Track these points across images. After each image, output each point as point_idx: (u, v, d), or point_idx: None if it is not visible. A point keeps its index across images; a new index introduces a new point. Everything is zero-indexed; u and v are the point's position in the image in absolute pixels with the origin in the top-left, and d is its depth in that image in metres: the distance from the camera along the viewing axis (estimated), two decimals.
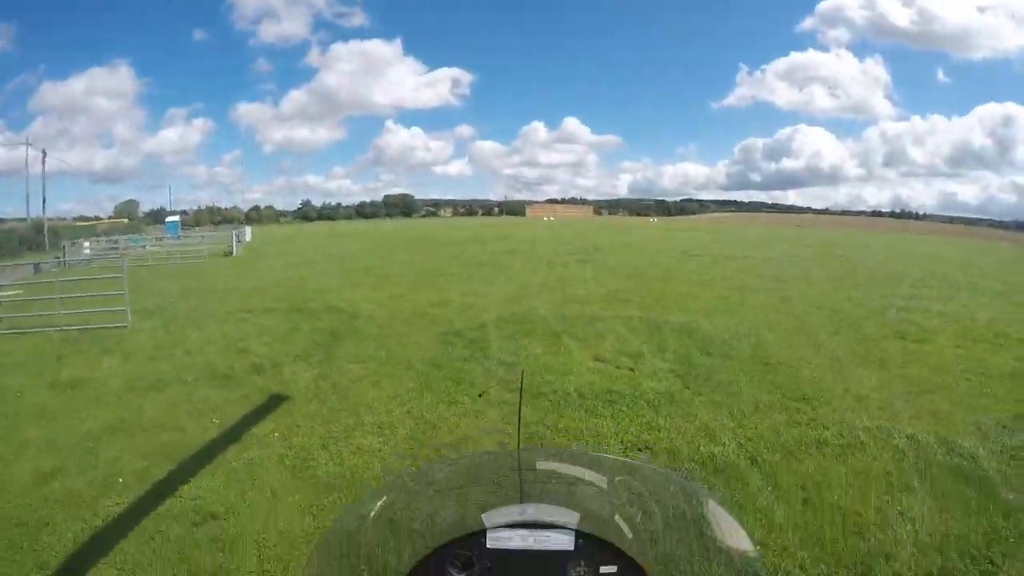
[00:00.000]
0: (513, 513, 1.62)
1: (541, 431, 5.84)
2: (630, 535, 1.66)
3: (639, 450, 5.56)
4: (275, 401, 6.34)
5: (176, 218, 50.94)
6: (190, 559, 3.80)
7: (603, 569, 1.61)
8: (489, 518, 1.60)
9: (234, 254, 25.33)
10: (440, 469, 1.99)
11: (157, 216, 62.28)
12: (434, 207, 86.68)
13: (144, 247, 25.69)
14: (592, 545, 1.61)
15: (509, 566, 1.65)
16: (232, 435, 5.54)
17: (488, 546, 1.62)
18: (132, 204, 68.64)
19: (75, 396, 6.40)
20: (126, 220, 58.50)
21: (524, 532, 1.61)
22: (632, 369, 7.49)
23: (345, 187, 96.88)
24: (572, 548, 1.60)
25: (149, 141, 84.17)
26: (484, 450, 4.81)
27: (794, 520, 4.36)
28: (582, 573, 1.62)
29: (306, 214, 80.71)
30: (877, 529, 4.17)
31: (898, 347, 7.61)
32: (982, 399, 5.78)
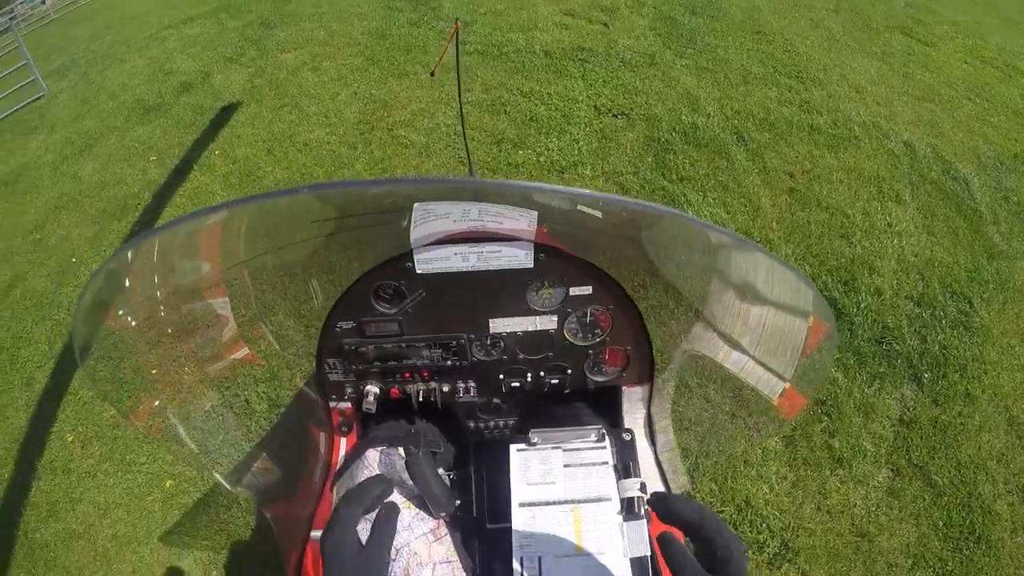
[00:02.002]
0: (446, 218, 1.07)
1: (504, 96, 4.84)
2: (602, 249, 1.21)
3: (614, 116, 4.55)
4: (211, 116, 5.30)
5: None
6: None
7: (574, 291, 1.23)
8: (420, 229, 1.09)
9: None
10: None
11: None
12: None
13: (44, 2, 17.19)
14: (558, 264, 1.18)
15: (447, 294, 1.22)
16: (173, 169, 4.71)
17: (418, 270, 1.18)
18: None
19: (10, 193, 5.07)
20: None
21: (465, 249, 1.14)
22: (606, 25, 6.10)
23: None
24: (532, 265, 1.17)
25: None
26: (433, 176, 4.08)
27: (779, 210, 3.61)
28: (547, 298, 1.24)
29: None
30: (864, 236, 3.54)
31: (902, 43, 6.36)
32: (984, 127, 4.89)
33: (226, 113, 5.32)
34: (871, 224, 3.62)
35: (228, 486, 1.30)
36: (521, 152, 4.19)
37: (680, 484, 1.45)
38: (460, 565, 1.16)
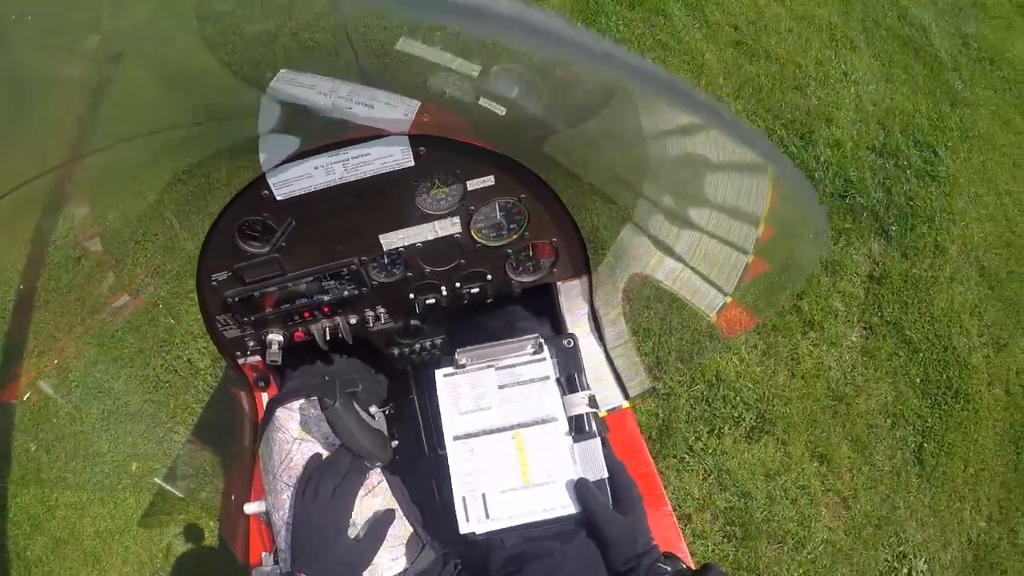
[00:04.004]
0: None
1: None
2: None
3: None
4: None
5: None
6: None
7: (473, 184, 1.01)
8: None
9: None
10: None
11: None
12: None
13: None
14: (446, 155, 0.97)
15: (322, 217, 1.01)
16: None
17: (279, 197, 0.97)
18: None
19: None
20: None
21: (325, 160, 0.93)
22: None
23: None
24: (412, 163, 0.95)
25: None
26: None
27: (725, 64, 3.38)
28: (441, 199, 1.04)
29: None
30: (818, 86, 3.30)
31: None
32: None
33: None
34: (825, 74, 3.35)
35: (172, 489, 1.16)
36: None
37: (638, 383, 1.33)
38: (400, 513, 1.04)
